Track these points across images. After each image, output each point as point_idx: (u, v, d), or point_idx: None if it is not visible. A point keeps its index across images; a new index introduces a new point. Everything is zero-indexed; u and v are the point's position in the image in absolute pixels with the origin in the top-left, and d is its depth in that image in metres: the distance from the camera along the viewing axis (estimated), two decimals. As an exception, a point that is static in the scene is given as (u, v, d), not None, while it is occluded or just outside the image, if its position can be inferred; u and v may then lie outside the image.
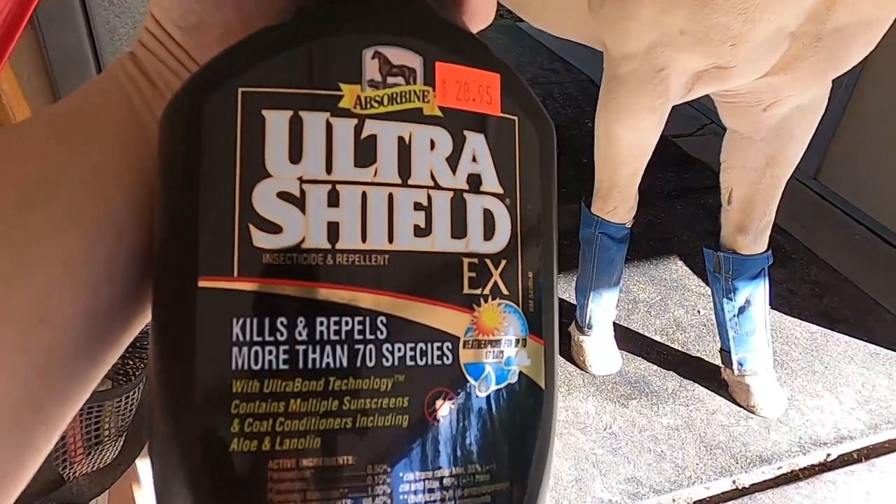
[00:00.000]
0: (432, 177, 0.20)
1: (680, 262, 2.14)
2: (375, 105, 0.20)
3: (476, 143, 0.21)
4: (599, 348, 1.71)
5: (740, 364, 1.60)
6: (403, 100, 0.20)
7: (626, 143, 1.35)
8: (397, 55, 0.20)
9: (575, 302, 1.73)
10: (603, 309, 1.67)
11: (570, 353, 1.76)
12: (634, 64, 1.24)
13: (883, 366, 1.78)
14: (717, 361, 1.70)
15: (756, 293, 1.54)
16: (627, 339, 1.82)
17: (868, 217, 2.35)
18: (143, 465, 0.95)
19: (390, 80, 0.20)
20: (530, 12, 1.59)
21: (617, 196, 1.46)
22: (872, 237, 2.31)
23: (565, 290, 1.97)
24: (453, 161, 0.21)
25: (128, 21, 1.39)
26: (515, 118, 0.22)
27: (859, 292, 2.04)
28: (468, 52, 0.21)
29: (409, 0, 0.22)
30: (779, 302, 1.93)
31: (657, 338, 1.85)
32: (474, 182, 0.21)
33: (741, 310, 1.56)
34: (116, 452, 0.85)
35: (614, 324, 1.75)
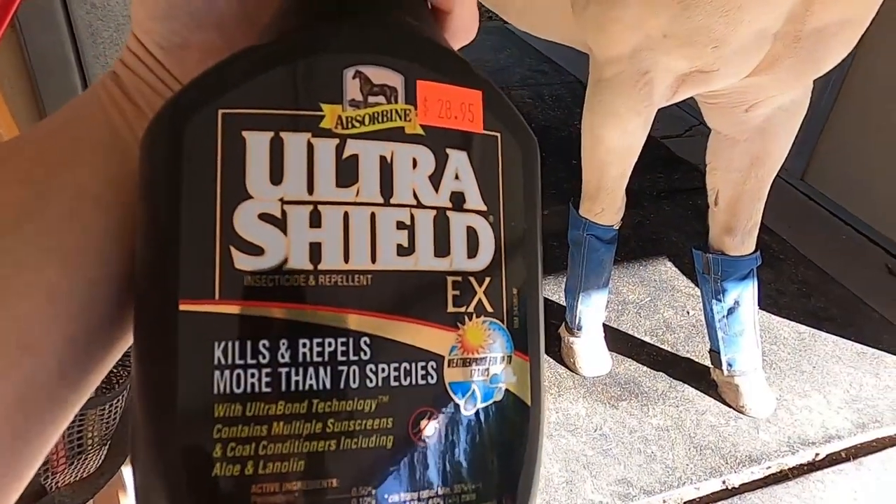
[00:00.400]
0: (415, 196, 0.20)
1: (669, 263, 2.15)
2: (357, 125, 0.20)
3: (459, 160, 0.21)
4: (589, 350, 1.72)
5: (729, 365, 1.61)
6: (385, 119, 0.20)
7: (613, 146, 1.35)
8: (378, 74, 0.20)
9: (564, 303, 1.73)
10: (592, 310, 1.67)
11: (560, 354, 1.76)
12: (619, 67, 1.24)
13: (870, 365, 1.79)
14: (707, 362, 1.71)
15: (745, 294, 1.55)
16: (617, 341, 1.82)
17: (854, 217, 2.38)
18: (129, 473, 0.94)
19: (371, 99, 0.20)
20: (512, 13, 1.59)
21: (605, 198, 1.47)
22: (859, 237, 2.34)
23: (555, 291, 1.98)
24: (436, 179, 0.21)
25: (110, 24, 1.38)
26: (498, 135, 0.22)
27: (846, 292, 2.06)
28: (450, 70, 0.21)
29: (391, 19, 0.22)
30: (767, 302, 1.94)
31: (647, 339, 1.85)
32: (457, 200, 0.21)
33: (730, 311, 1.57)
34: (100, 461, 0.84)
35: (604, 325, 1.76)
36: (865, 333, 1.90)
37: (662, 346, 1.83)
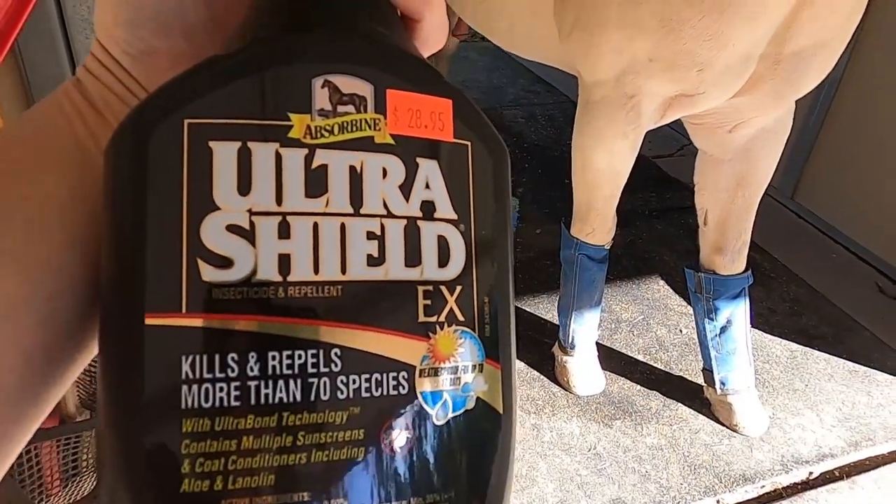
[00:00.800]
0: (385, 205, 0.20)
1: (662, 282, 2.16)
2: (326, 134, 0.20)
3: (429, 169, 0.21)
4: (583, 368, 1.71)
5: (722, 383, 1.61)
6: (354, 128, 0.20)
7: (602, 167, 1.37)
8: (347, 83, 0.20)
9: (558, 322, 1.73)
10: (585, 329, 1.67)
11: (554, 373, 1.76)
12: (606, 90, 1.26)
13: (861, 383, 1.80)
14: (700, 380, 1.71)
15: (737, 313, 1.56)
16: (611, 359, 1.82)
17: (844, 236, 2.39)
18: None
19: (341, 108, 0.20)
20: (499, 36, 1.62)
21: (595, 218, 1.48)
22: (848, 255, 2.35)
23: (548, 310, 1.98)
24: (406, 188, 0.21)
25: (107, 47, 1.39)
26: (468, 143, 0.22)
27: (837, 310, 2.07)
28: (420, 79, 0.21)
29: (360, 28, 0.22)
30: (759, 320, 1.94)
31: (640, 357, 1.85)
32: (428, 209, 0.21)
33: (722, 329, 1.57)
34: (94, 484, 0.83)
35: (597, 343, 1.76)
36: (856, 351, 1.90)
37: (656, 365, 1.83)
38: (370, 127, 0.20)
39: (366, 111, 0.20)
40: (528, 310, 2.00)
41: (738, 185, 1.43)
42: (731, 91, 1.20)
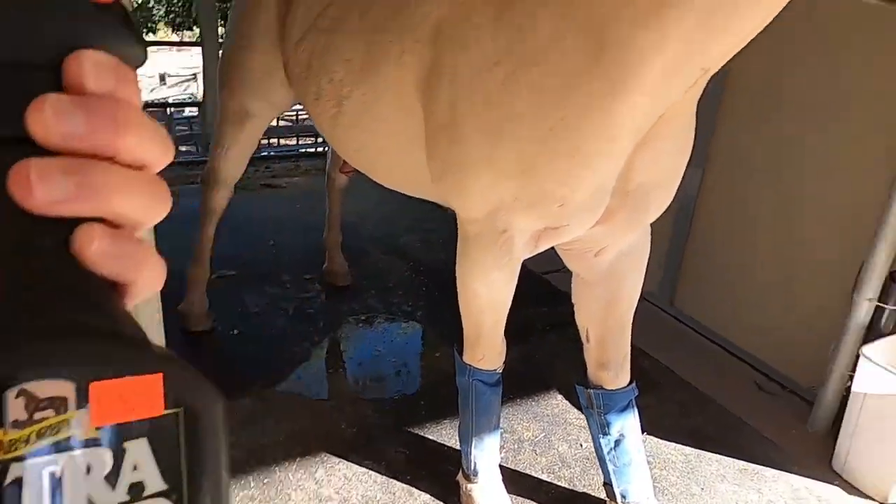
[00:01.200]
0: (90, 502, 0.20)
1: (560, 396, 2.21)
2: (22, 446, 0.19)
3: (138, 450, 0.21)
4: (488, 496, 1.69)
5: (623, 496, 1.63)
6: (53, 432, 0.20)
7: (483, 297, 1.44)
8: (45, 388, 0.20)
9: (460, 448, 1.72)
10: (487, 454, 1.67)
11: (460, 503, 1.72)
12: (479, 227, 1.35)
13: (752, 481, 1.87)
14: (603, 495, 1.72)
15: (627, 425, 1.61)
16: (515, 482, 1.81)
17: (721, 338, 2.58)
18: None
19: (38, 415, 0.19)
20: (379, 176, 1.72)
21: (484, 345, 1.53)
22: (727, 356, 2.52)
23: (451, 435, 1.96)
24: (113, 478, 0.20)
25: None
26: (179, 411, 0.22)
27: (722, 409, 2.18)
28: (126, 362, 0.21)
29: (59, 323, 0.21)
30: (651, 427, 2.01)
31: (544, 477, 1.85)
32: (136, 490, 0.21)
33: (616, 443, 1.62)
34: None
35: (501, 466, 1.75)
36: (744, 448, 1.99)
37: (559, 483, 1.83)
38: (72, 426, 0.20)
39: (66, 411, 0.20)
40: (430, 437, 1.98)
41: (609, 304, 1.54)
42: (591, 221, 1.32)
